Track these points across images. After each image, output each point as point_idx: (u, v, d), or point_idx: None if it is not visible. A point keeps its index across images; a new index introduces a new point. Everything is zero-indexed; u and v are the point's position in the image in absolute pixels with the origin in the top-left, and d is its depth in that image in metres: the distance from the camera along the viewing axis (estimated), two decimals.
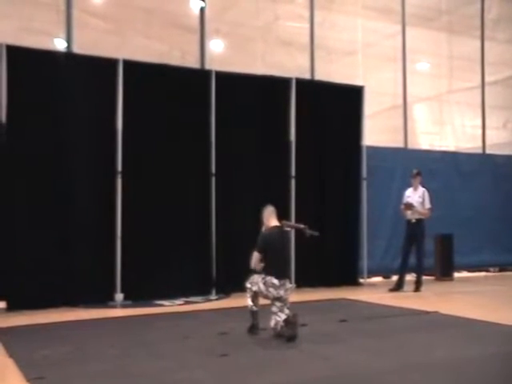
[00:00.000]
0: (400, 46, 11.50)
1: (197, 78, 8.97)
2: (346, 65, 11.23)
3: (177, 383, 4.27)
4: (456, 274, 11.37)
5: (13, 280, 7.45)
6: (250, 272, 5.82)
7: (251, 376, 4.39)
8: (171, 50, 9.49)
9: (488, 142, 12.62)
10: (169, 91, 8.52)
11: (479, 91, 12.54)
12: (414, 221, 9.40)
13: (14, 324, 6.48)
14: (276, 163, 9.36)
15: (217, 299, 8.54)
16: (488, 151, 12.62)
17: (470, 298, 8.85)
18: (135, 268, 8.12)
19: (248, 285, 5.74)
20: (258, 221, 6.08)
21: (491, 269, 12.63)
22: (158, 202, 8.35)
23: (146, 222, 8.24)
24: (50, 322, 6.59)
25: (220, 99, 8.88)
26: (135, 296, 8.10)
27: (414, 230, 9.36)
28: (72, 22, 8.44)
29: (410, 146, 11.67)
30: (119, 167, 8.18)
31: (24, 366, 4.61)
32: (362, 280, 10.22)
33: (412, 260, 9.47)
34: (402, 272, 9.49)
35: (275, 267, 5.67)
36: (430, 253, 10.61)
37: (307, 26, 10.51)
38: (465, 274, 12.12)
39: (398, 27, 11.47)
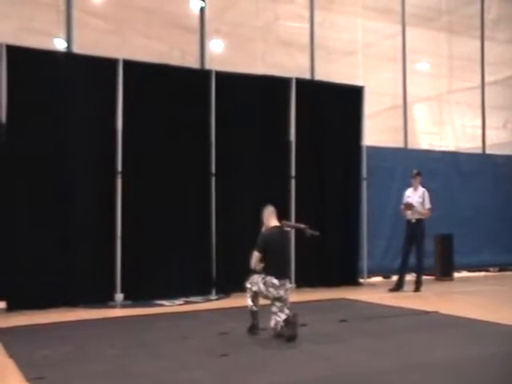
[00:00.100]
0: (400, 46, 11.50)
1: (197, 78, 8.98)
2: (346, 65, 11.24)
3: (177, 383, 4.27)
4: (456, 274, 11.37)
5: (13, 280, 7.45)
6: (249, 272, 5.82)
7: (251, 376, 4.39)
8: (171, 50, 9.50)
9: (488, 142, 12.63)
10: (169, 91, 8.52)
11: (479, 91, 12.55)
12: (413, 221, 9.40)
13: (14, 324, 6.48)
14: (276, 163, 9.37)
15: (217, 299, 8.54)
16: (488, 151, 12.62)
17: (470, 297, 8.86)
18: (135, 268, 8.12)
19: (248, 285, 5.74)
20: (258, 221, 6.08)
21: (491, 269, 12.63)
22: (158, 201, 8.36)
23: (146, 222, 8.25)
24: (50, 322, 6.59)
25: (220, 99, 8.88)
26: (135, 296, 8.11)
27: (414, 230, 9.37)
28: (72, 22, 8.45)
29: (410, 146, 11.68)
30: (119, 167, 8.19)
31: (24, 366, 4.61)
32: (362, 280, 10.23)
33: (412, 260, 9.47)
34: (401, 272, 9.50)
35: (275, 267, 5.68)
36: (430, 253, 10.62)
37: (307, 26, 10.51)
38: (465, 273, 12.12)
39: (398, 27, 11.48)
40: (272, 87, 9.42)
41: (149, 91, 8.38)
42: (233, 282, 7.98)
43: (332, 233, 9.56)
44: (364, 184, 10.26)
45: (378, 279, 10.94)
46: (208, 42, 9.68)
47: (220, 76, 8.93)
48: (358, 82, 10.39)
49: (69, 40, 8.48)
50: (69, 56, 8.30)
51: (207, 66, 9.37)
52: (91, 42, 8.52)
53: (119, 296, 8.10)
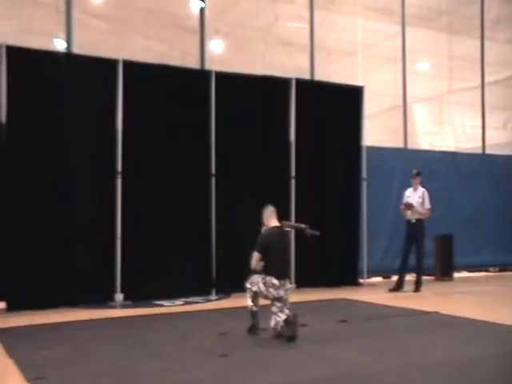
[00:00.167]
0: (400, 47, 11.51)
1: (197, 78, 8.99)
2: (345, 65, 11.27)
3: (177, 383, 4.28)
4: (456, 274, 11.39)
5: (13, 280, 7.46)
6: (249, 272, 5.82)
7: (251, 376, 4.40)
8: (171, 51, 9.52)
9: (488, 142, 12.64)
10: (169, 92, 8.54)
11: (479, 91, 12.56)
12: (413, 221, 9.41)
13: (14, 324, 6.49)
14: (276, 163, 9.38)
15: (217, 299, 8.56)
16: (488, 151, 12.63)
17: (470, 297, 8.88)
18: (135, 268, 8.13)
19: (248, 285, 5.75)
20: (258, 221, 6.09)
21: (491, 269, 12.66)
22: (158, 202, 8.37)
23: (146, 223, 8.26)
24: (50, 323, 6.61)
25: (220, 99, 8.89)
26: (135, 296, 8.12)
27: (414, 230, 9.38)
28: (72, 23, 8.46)
29: (410, 146, 11.70)
30: (119, 167, 8.20)
31: (24, 366, 4.62)
32: (361, 280, 10.24)
33: (412, 260, 9.48)
34: (401, 272, 9.51)
35: (275, 267, 5.68)
36: (430, 253, 10.62)
37: (307, 26, 10.53)
38: (465, 274, 12.14)
39: (398, 27, 11.49)
40: (272, 87, 9.43)
41: (149, 92, 8.39)
42: (233, 282, 7.98)
43: (332, 233, 9.57)
44: (364, 184, 10.27)
45: (377, 279, 10.96)
46: (208, 42, 9.70)
47: (220, 76, 8.94)
48: (357, 83, 10.40)
49: (69, 40, 8.49)
50: (69, 56, 8.31)
51: (207, 67, 9.39)
52: (91, 43, 8.54)
53: (119, 296, 8.10)
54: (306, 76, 10.30)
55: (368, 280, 10.41)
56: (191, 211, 8.77)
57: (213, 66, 9.30)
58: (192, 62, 9.37)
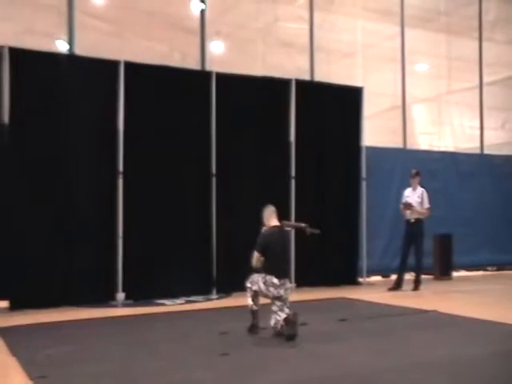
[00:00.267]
0: (399, 47, 11.54)
1: (197, 79, 9.03)
2: (345, 66, 11.28)
3: (177, 382, 4.30)
4: (454, 274, 11.41)
5: (16, 280, 7.50)
6: (250, 271, 5.86)
7: (252, 375, 4.43)
8: (172, 52, 9.57)
9: (486, 142, 12.66)
10: (170, 92, 8.58)
11: (477, 92, 12.59)
12: (412, 220, 9.46)
13: (16, 323, 6.53)
14: (276, 164, 9.41)
15: (217, 298, 8.60)
16: (486, 151, 12.66)
17: (469, 296, 8.91)
18: (136, 268, 8.16)
19: (248, 284, 5.77)
20: (258, 221, 6.12)
21: (489, 268, 12.70)
22: (159, 201, 8.41)
23: (147, 222, 8.31)
24: (53, 322, 6.64)
25: (220, 100, 8.93)
26: (136, 295, 8.16)
27: (413, 230, 9.43)
28: (74, 24, 8.50)
29: (409, 146, 11.72)
30: (121, 167, 8.24)
31: (27, 364, 4.65)
32: (361, 279, 10.27)
33: (411, 259, 9.52)
34: (401, 271, 9.56)
35: (275, 267, 5.71)
36: (429, 252, 10.66)
37: (307, 27, 10.55)
38: (463, 273, 12.16)
39: (397, 28, 11.51)
40: (272, 88, 9.46)
41: (150, 92, 8.44)
42: (233, 282, 7.99)
43: (332, 233, 9.59)
44: (363, 184, 10.30)
45: (377, 278, 10.99)
46: (208, 43, 9.72)
47: (220, 77, 8.98)
48: (357, 83, 10.43)
49: (71, 42, 8.53)
50: (71, 58, 8.34)
51: (208, 68, 9.42)
52: (93, 44, 8.58)
53: (121, 295, 8.14)
54: (306, 77, 10.33)
55: (367, 279, 10.44)
56: (192, 211, 8.81)
57: (213, 66, 9.33)
58: (192, 63, 9.39)
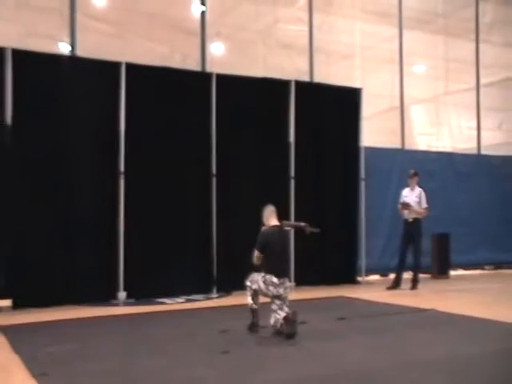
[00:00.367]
0: (397, 49, 11.58)
1: (198, 80, 9.06)
2: (344, 67, 11.32)
3: (179, 380, 4.32)
4: (452, 272, 11.44)
5: (18, 279, 7.55)
6: (250, 270, 5.92)
7: (252, 373, 4.46)
8: (173, 53, 9.60)
9: (483, 142, 12.70)
10: (170, 93, 8.62)
11: (475, 93, 12.64)
12: (410, 220, 9.51)
13: (19, 322, 6.57)
14: (276, 164, 9.45)
15: (218, 297, 8.64)
16: (483, 152, 12.70)
17: (466, 295, 8.94)
18: (137, 267, 8.21)
19: (248, 283, 5.82)
20: (257, 220, 6.17)
21: (486, 267, 12.73)
22: (160, 201, 8.45)
23: (148, 222, 8.35)
24: (55, 320, 6.67)
25: (221, 101, 8.97)
26: (138, 294, 8.20)
27: (411, 229, 9.48)
28: (76, 26, 8.54)
29: (408, 146, 11.76)
30: (122, 168, 8.29)
31: (29, 362, 4.68)
32: (360, 278, 10.30)
33: (409, 258, 9.57)
34: (399, 270, 9.60)
35: (275, 266, 5.75)
36: (427, 251, 10.67)
37: (306, 29, 10.59)
38: (461, 272, 12.15)
39: (396, 30, 11.55)
40: (272, 89, 9.49)
41: (151, 93, 8.48)
42: (233, 281, 8.01)
43: (331, 232, 9.61)
44: (362, 184, 10.34)
45: (375, 277, 11.03)
46: (209, 45, 9.76)
47: (221, 78, 9.02)
48: (356, 84, 10.47)
49: (73, 44, 8.57)
50: (72, 59, 8.39)
51: (208, 69, 9.46)
52: (94, 46, 8.62)
53: (122, 294, 8.18)
54: (305, 78, 10.37)
55: (366, 278, 10.47)
56: (192, 211, 8.86)
57: (213, 68, 9.38)
58: (193, 65, 9.43)
